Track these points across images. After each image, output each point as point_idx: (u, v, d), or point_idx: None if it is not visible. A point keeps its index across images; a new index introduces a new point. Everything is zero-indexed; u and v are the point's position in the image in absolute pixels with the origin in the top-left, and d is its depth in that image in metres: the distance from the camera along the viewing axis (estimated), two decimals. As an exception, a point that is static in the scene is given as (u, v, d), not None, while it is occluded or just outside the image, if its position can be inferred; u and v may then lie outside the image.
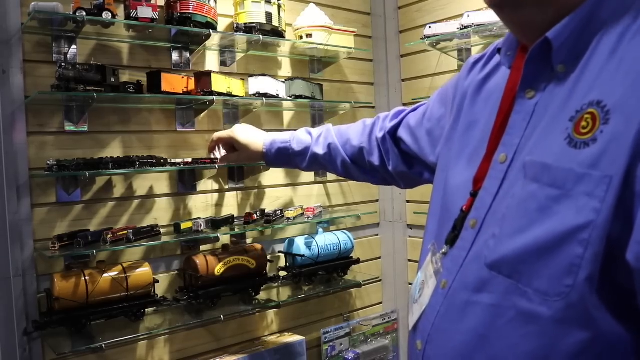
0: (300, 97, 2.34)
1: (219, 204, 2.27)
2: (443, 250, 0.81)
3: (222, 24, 2.25)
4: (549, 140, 0.67)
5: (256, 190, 2.40)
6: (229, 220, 2.18)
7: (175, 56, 2.14)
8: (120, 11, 1.91)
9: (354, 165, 1.34)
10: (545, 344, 0.64)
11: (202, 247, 2.18)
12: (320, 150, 1.38)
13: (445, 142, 0.96)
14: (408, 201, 2.83)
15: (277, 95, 2.27)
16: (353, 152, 1.33)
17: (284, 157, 1.46)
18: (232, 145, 1.62)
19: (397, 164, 1.24)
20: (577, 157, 0.62)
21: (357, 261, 2.60)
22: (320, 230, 2.51)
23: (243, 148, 1.55)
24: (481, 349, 0.70)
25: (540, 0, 0.70)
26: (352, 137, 1.34)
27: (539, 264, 0.64)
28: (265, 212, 2.27)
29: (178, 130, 2.14)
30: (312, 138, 1.41)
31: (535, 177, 0.66)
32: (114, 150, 1.98)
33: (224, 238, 2.24)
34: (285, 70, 2.51)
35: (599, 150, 0.59)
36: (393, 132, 1.26)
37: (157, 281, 1.97)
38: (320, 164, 1.41)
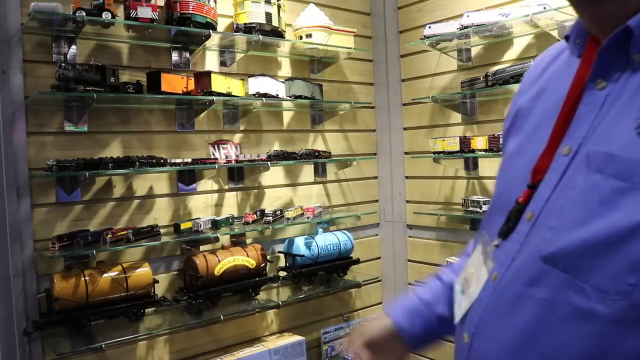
0: (300, 97, 2.34)
1: (218, 204, 2.27)
2: (495, 242, 0.78)
3: (222, 24, 2.25)
4: (616, 130, 0.64)
5: (256, 190, 2.40)
6: (228, 221, 2.18)
7: (175, 56, 2.14)
8: (120, 11, 1.91)
9: None
10: (601, 345, 0.61)
11: (202, 247, 2.17)
12: (446, 276, 1.04)
13: (504, 143, 0.93)
14: (408, 201, 2.83)
15: (277, 95, 2.27)
16: None
17: (420, 315, 1.03)
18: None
19: None
20: None
21: (357, 261, 2.60)
22: (320, 230, 2.51)
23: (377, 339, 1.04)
24: (531, 344, 0.67)
25: None
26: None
27: (599, 259, 0.61)
28: (265, 212, 2.27)
29: (178, 130, 2.14)
30: (435, 276, 1.07)
31: (598, 168, 0.63)
32: (114, 150, 1.98)
33: (224, 238, 2.24)
34: (285, 70, 2.51)
35: None
36: None
37: (157, 281, 1.97)
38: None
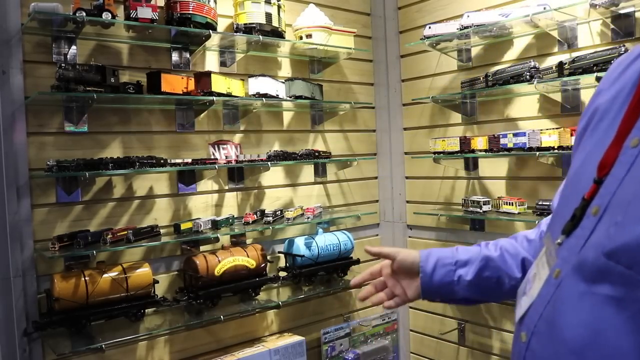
0: (300, 97, 2.34)
1: (219, 205, 2.27)
2: (558, 240, 0.76)
3: (222, 25, 2.26)
4: None
5: (256, 190, 2.40)
6: (229, 221, 2.18)
7: (175, 57, 2.14)
8: (120, 12, 1.91)
9: None
10: None
11: (202, 248, 2.17)
12: (493, 252, 1.12)
13: (576, 144, 0.90)
14: (408, 201, 2.83)
15: (277, 95, 2.27)
16: (534, 245, 1.11)
17: (444, 269, 1.13)
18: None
19: None
20: None
21: (357, 261, 2.60)
22: (320, 230, 2.51)
23: (401, 252, 1.19)
24: (595, 345, 0.64)
25: None
26: (525, 234, 1.14)
27: None
28: (265, 212, 2.27)
29: (178, 130, 2.14)
30: (480, 245, 1.16)
31: None
32: (114, 150, 1.98)
33: (224, 238, 2.24)
34: (285, 70, 2.51)
35: None
36: None
37: (157, 281, 1.97)
38: (494, 271, 1.11)
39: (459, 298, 1.13)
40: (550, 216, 1.04)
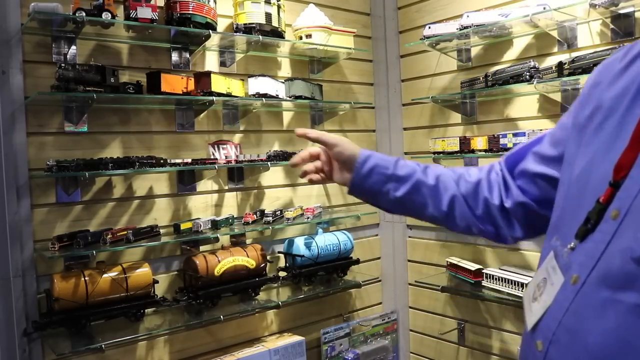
0: (299, 97, 2.34)
1: (218, 205, 2.27)
2: (571, 245, 0.74)
3: (222, 25, 2.26)
4: None
5: (256, 190, 2.40)
6: (228, 221, 2.18)
7: (174, 57, 2.14)
8: (120, 12, 1.91)
9: (464, 204, 1.12)
10: None
11: (202, 248, 2.18)
12: (428, 179, 1.13)
13: (573, 136, 0.88)
14: (408, 201, 2.82)
15: (277, 95, 2.27)
16: (468, 187, 1.12)
17: (378, 177, 1.15)
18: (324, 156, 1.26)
19: (530, 194, 1.04)
20: None
21: (357, 261, 2.60)
22: (320, 230, 2.51)
23: (341, 143, 1.19)
24: (622, 355, 0.62)
25: None
26: (468, 173, 1.16)
27: None
28: (265, 212, 2.27)
29: (178, 130, 2.14)
30: (419, 166, 1.18)
31: None
32: (114, 150, 1.98)
33: (224, 238, 2.24)
34: (285, 70, 2.51)
35: None
36: (515, 165, 1.09)
37: (157, 281, 1.97)
38: (422, 195, 1.14)
39: (381, 206, 1.19)
40: (507, 155, 1.07)
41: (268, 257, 2.31)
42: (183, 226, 2.03)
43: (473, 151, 2.31)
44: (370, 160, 1.15)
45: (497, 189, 1.09)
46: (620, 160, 0.71)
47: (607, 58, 0.90)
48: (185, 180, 2.16)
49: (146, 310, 1.94)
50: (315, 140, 1.24)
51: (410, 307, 2.85)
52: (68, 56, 1.87)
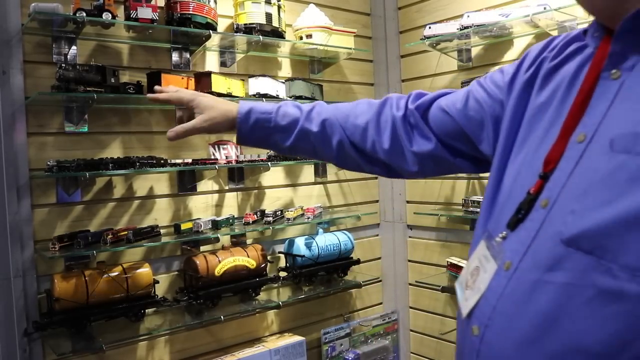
0: (300, 97, 2.34)
1: (219, 205, 2.27)
2: (502, 234, 0.78)
3: (222, 25, 2.26)
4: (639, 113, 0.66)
5: (256, 190, 2.40)
6: (229, 221, 2.18)
7: (175, 57, 2.14)
8: (120, 12, 1.91)
9: (352, 147, 1.15)
10: (631, 325, 0.60)
11: (203, 248, 2.18)
12: (312, 126, 1.15)
13: (504, 131, 0.92)
14: (408, 202, 2.83)
15: (277, 95, 2.27)
16: (355, 131, 1.14)
17: (263, 131, 1.17)
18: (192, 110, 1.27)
19: (426, 144, 1.10)
20: None
21: (357, 262, 2.60)
22: (321, 230, 2.51)
23: (208, 108, 1.21)
24: (553, 332, 0.65)
25: None
26: (354, 114, 1.16)
27: (628, 236, 0.60)
28: (266, 212, 2.27)
29: (178, 130, 2.14)
30: (302, 112, 1.18)
31: (625, 148, 0.64)
32: (114, 150, 1.98)
33: (224, 238, 2.24)
34: (285, 70, 2.51)
35: None
36: (424, 110, 1.12)
37: (157, 282, 1.97)
38: (309, 143, 1.17)
39: (278, 152, 1.25)
40: (420, 102, 1.11)
41: (268, 257, 2.31)
42: (183, 226, 2.03)
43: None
44: (252, 115, 1.16)
45: (389, 134, 1.12)
46: (549, 154, 0.75)
47: (533, 48, 0.98)
48: (186, 181, 2.16)
49: (146, 311, 1.94)
50: (164, 102, 1.27)
51: (411, 307, 2.85)
52: (68, 56, 1.87)
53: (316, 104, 1.20)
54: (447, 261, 2.54)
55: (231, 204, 2.31)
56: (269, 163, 2.24)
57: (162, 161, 1.96)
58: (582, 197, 0.67)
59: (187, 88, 2.01)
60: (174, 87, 1.27)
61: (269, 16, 2.20)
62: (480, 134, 1.02)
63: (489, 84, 1.02)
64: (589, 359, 0.62)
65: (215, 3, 2.11)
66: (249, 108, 1.17)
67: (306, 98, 2.36)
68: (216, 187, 2.26)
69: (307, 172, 2.59)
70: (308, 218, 2.38)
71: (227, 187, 2.30)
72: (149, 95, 1.28)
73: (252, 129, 1.17)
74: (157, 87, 1.27)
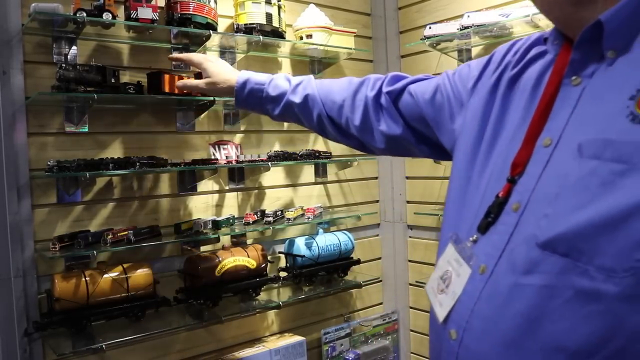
0: (300, 97, 2.33)
1: (219, 205, 2.27)
2: (473, 237, 0.80)
3: (222, 25, 2.26)
4: (606, 119, 0.68)
5: (256, 190, 2.40)
6: (229, 221, 2.18)
7: (175, 57, 2.14)
8: (121, 12, 1.91)
9: (329, 121, 1.29)
10: (609, 323, 0.61)
11: (203, 248, 2.18)
12: (296, 99, 1.31)
13: (468, 134, 0.95)
14: (408, 202, 2.83)
15: (278, 95, 2.27)
16: (332, 107, 1.29)
17: (256, 100, 1.36)
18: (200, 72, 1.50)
19: (393, 126, 1.19)
20: None
21: (358, 262, 2.60)
22: (321, 230, 2.51)
23: (213, 74, 1.44)
24: (532, 333, 0.67)
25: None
26: (335, 92, 1.30)
27: (602, 239, 0.62)
28: (266, 212, 2.27)
29: (178, 131, 2.15)
30: (290, 85, 1.34)
31: (595, 154, 0.66)
32: (115, 151, 1.99)
33: (225, 239, 2.24)
34: (286, 70, 2.51)
35: None
36: (396, 95, 1.22)
37: (158, 282, 1.97)
38: (294, 114, 1.34)
39: (271, 118, 1.39)
40: (393, 87, 1.21)
41: (269, 257, 2.31)
42: (184, 226, 2.03)
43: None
44: (248, 85, 1.35)
45: (360, 113, 1.24)
46: (517, 158, 0.78)
47: (498, 50, 1.01)
48: (186, 181, 2.16)
49: (147, 311, 1.94)
50: (180, 60, 1.61)
51: (411, 307, 2.85)
52: (69, 56, 1.87)
53: (304, 78, 1.36)
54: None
55: (231, 204, 2.31)
56: (269, 163, 2.24)
57: (162, 161, 1.96)
58: (554, 201, 0.68)
59: (187, 88, 2.01)
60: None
61: (269, 16, 2.20)
62: (441, 127, 1.08)
63: (456, 82, 1.07)
64: (568, 357, 0.64)
65: (216, 3, 2.11)
66: (246, 78, 1.36)
67: (306, 98, 2.36)
68: (216, 187, 2.27)
69: (308, 172, 2.59)
70: (308, 218, 2.38)
71: (227, 187, 2.30)
72: (171, 56, 1.74)
73: (247, 97, 1.35)
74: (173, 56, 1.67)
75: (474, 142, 0.92)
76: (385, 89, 1.24)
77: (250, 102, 1.37)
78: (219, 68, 1.44)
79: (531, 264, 0.69)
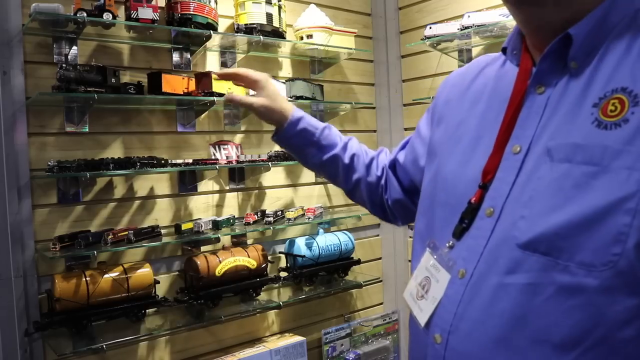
0: (300, 97, 2.34)
1: (219, 205, 2.27)
2: (449, 243, 0.82)
3: (223, 25, 2.26)
4: (573, 125, 0.71)
5: (257, 190, 2.40)
6: (229, 221, 2.18)
7: (175, 57, 2.14)
8: (121, 12, 1.91)
9: (366, 188, 1.28)
10: (591, 314, 0.65)
11: (203, 248, 2.18)
12: (345, 157, 1.27)
13: (430, 148, 1.00)
14: (409, 202, 2.82)
15: (278, 96, 2.27)
16: (372, 178, 1.28)
17: (303, 141, 1.24)
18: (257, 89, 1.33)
19: (395, 193, 1.23)
20: (610, 136, 0.66)
21: (358, 262, 2.60)
22: (321, 230, 2.51)
23: (271, 98, 1.26)
24: (520, 329, 0.70)
25: (560, 1, 0.75)
26: (375, 163, 1.30)
27: (581, 237, 0.65)
28: (266, 212, 2.27)
29: (179, 131, 2.15)
30: (341, 141, 1.30)
31: (566, 158, 0.69)
32: (115, 151, 1.99)
33: (225, 239, 2.24)
34: (286, 71, 2.51)
35: (634, 129, 0.65)
36: (392, 162, 1.26)
37: (158, 282, 1.97)
38: (334, 169, 1.28)
39: (301, 162, 1.32)
40: (401, 153, 1.21)
41: (269, 258, 2.31)
42: (184, 226, 2.03)
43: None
44: (301, 123, 1.23)
45: (385, 187, 1.26)
46: (487, 165, 0.80)
47: (452, 73, 1.06)
48: (186, 181, 2.16)
49: (147, 311, 1.94)
50: (236, 78, 1.33)
51: (412, 308, 2.85)
52: (69, 57, 1.87)
53: (353, 140, 1.33)
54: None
55: (232, 204, 2.31)
56: (270, 163, 2.24)
57: (162, 161, 1.96)
58: (530, 203, 0.71)
59: (187, 88, 2.01)
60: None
61: (269, 16, 2.20)
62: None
63: (418, 144, 1.12)
64: (554, 349, 0.67)
65: (216, 3, 2.11)
66: (302, 115, 1.25)
67: (307, 98, 2.36)
68: (217, 187, 2.27)
69: (308, 172, 2.59)
70: (309, 218, 2.38)
71: (227, 187, 2.30)
72: (217, 72, 1.49)
73: (296, 135, 1.24)
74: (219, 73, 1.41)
75: (433, 156, 0.97)
76: (391, 157, 1.28)
77: (296, 140, 1.25)
78: (277, 92, 1.29)
79: (514, 264, 0.71)
